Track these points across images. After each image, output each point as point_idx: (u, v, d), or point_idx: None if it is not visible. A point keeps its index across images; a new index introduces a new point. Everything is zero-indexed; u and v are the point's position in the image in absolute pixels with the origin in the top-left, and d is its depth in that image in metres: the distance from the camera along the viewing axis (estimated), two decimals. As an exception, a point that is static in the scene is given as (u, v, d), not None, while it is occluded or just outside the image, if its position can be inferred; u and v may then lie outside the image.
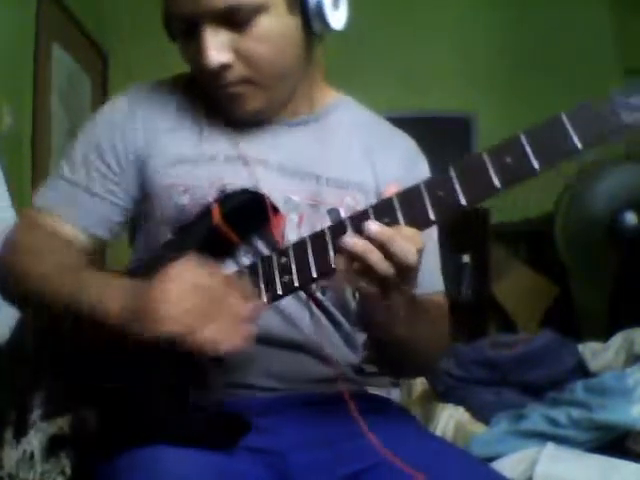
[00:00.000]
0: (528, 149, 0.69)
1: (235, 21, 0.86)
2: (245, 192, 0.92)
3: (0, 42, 2.19)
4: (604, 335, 2.11)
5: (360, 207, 0.95)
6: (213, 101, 0.98)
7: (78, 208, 0.98)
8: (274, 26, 0.88)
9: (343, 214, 0.95)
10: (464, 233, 2.77)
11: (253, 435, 0.84)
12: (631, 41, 3.38)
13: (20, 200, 1.80)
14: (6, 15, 2.24)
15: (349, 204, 0.96)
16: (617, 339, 1.99)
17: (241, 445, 0.84)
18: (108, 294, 0.81)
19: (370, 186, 0.99)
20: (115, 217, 0.99)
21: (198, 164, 0.95)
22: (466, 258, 3.23)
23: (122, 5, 3.22)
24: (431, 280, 1.01)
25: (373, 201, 0.97)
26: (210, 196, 0.93)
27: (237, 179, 0.94)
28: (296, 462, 0.87)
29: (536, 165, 0.68)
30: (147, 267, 0.88)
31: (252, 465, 0.85)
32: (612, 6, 3.56)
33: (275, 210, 0.92)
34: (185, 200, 0.94)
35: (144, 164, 0.97)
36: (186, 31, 0.90)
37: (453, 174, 0.73)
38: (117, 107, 1.02)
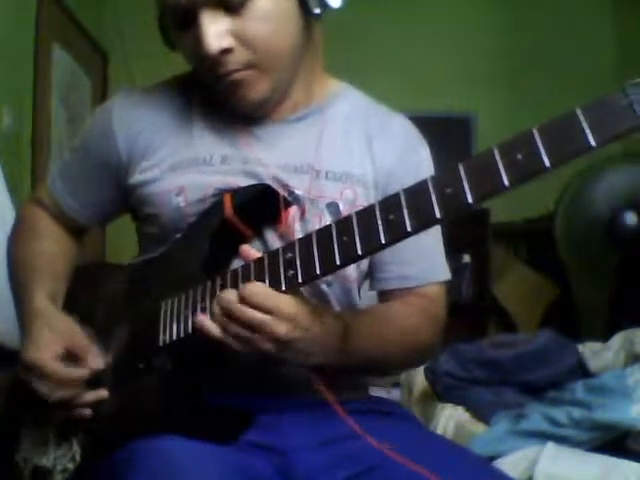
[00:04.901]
0: (540, 145, 0.65)
1: (231, 4, 0.87)
2: (256, 186, 0.93)
3: (0, 42, 2.19)
4: (604, 335, 2.11)
5: (359, 200, 0.96)
6: (212, 99, 0.97)
7: (69, 195, 1.06)
8: (271, 5, 0.89)
9: (342, 208, 0.95)
10: (464, 233, 2.77)
11: (259, 432, 0.85)
12: (631, 41, 3.38)
13: (20, 200, 1.80)
14: (6, 15, 2.24)
15: (348, 197, 0.96)
16: (617, 339, 1.99)
17: (247, 440, 0.84)
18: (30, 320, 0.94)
19: (369, 178, 0.99)
20: (103, 209, 1.08)
21: (191, 168, 0.95)
22: (466, 258, 3.23)
23: (122, 5, 3.22)
24: (424, 270, 1.00)
25: (372, 192, 0.98)
26: (207, 197, 0.93)
27: (235, 179, 0.94)
28: (300, 462, 0.88)
29: (547, 163, 0.64)
30: (158, 263, 0.96)
31: (257, 460, 0.85)
32: (612, 6, 3.57)
33: (286, 203, 0.93)
34: (181, 202, 0.94)
35: (129, 173, 0.99)
36: (183, 24, 0.90)
37: (462, 170, 0.69)
38: (103, 117, 1.03)
